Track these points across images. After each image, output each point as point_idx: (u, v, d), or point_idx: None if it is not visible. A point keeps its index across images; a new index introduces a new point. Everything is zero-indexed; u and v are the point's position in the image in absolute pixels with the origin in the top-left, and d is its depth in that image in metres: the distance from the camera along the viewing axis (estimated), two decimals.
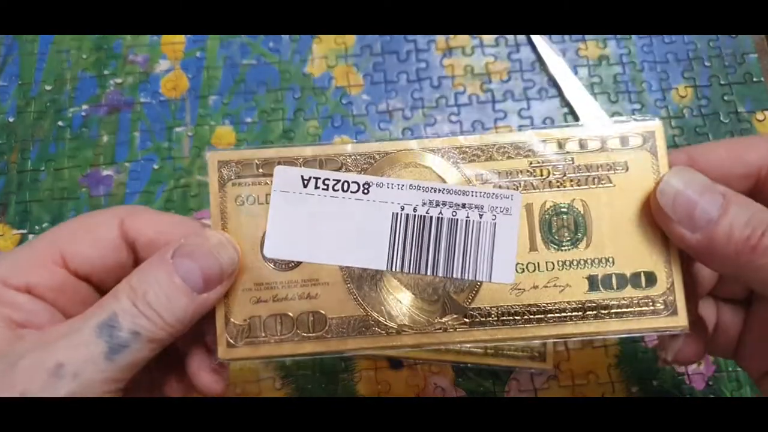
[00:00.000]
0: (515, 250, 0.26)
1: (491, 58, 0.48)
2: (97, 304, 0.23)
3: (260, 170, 0.27)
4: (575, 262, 0.26)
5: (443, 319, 0.26)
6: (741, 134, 0.45)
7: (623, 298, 0.26)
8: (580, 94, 0.46)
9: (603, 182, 0.26)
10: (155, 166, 0.45)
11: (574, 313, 0.26)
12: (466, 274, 0.26)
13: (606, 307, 0.26)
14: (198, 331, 0.26)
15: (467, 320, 0.26)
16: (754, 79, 0.47)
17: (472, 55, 0.48)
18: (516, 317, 0.26)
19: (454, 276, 0.26)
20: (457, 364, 0.40)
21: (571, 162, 0.27)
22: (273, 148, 0.27)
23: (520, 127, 0.46)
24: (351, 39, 0.48)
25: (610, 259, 0.26)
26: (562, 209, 0.27)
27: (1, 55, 0.48)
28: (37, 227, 0.44)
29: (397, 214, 0.26)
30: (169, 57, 0.48)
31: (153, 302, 0.23)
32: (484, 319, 0.26)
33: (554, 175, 0.27)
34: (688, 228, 0.23)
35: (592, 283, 0.26)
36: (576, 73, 0.47)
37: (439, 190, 0.26)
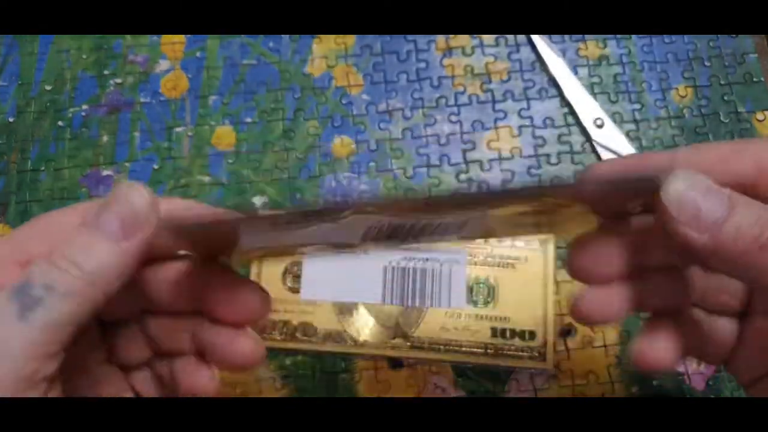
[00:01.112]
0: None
1: (491, 58, 0.48)
2: None
3: None
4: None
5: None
6: (741, 134, 0.46)
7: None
8: (580, 94, 0.46)
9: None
10: (155, 166, 0.45)
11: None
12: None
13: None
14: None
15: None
16: (754, 79, 0.47)
17: (472, 55, 0.48)
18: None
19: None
20: (457, 364, 0.40)
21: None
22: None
23: (520, 128, 0.46)
24: (351, 39, 0.48)
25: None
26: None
27: (1, 55, 0.48)
28: None
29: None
30: (169, 57, 0.48)
31: (69, 254, 0.22)
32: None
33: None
34: (694, 229, 0.23)
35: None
36: (576, 73, 0.47)
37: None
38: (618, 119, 0.46)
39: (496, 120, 0.47)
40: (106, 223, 0.23)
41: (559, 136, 0.46)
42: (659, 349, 0.27)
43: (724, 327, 0.29)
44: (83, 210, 0.25)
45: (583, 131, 0.46)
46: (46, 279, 0.21)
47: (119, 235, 0.23)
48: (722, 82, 0.47)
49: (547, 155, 0.46)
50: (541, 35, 0.48)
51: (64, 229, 0.24)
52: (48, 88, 0.47)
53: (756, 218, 0.22)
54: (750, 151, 0.25)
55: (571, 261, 0.27)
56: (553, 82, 0.47)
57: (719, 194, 0.23)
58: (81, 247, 0.22)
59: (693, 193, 0.23)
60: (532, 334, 0.40)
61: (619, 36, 0.48)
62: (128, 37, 0.49)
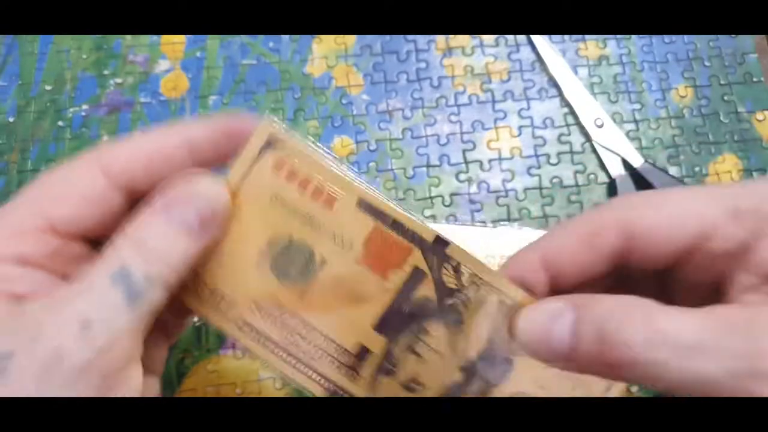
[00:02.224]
0: None
1: (491, 58, 0.48)
2: (99, 260, 0.23)
3: None
4: None
5: None
6: (741, 134, 0.46)
7: None
8: (580, 94, 0.47)
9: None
10: None
11: None
12: None
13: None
14: None
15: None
16: (754, 79, 0.47)
17: (472, 55, 0.48)
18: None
19: None
20: None
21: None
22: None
23: (520, 128, 0.46)
24: (351, 39, 0.49)
25: None
26: None
27: (1, 55, 0.48)
28: None
29: None
30: (169, 57, 0.48)
31: (156, 248, 0.23)
32: None
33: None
34: (560, 364, 0.22)
35: None
36: (576, 73, 0.47)
37: None
38: (618, 119, 0.46)
39: (496, 120, 0.47)
40: (187, 217, 0.23)
41: (559, 136, 0.46)
42: None
43: None
44: (98, 159, 0.25)
45: (583, 131, 0.46)
46: (144, 271, 0.22)
47: (198, 230, 0.23)
48: (722, 82, 0.47)
49: (547, 155, 0.46)
50: (541, 35, 0.48)
51: (81, 189, 0.24)
52: (48, 88, 0.47)
53: (596, 333, 0.21)
54: (606, 225, 0.23)
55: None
56: (553, 82, 0.47)
57: (561, 318, 0.22)
58: (165, 241, 0.23)
59: (536, 336, 0.22)
60: None
61: (619, 36, 0.48)
62: (128, 37, 0.49)
